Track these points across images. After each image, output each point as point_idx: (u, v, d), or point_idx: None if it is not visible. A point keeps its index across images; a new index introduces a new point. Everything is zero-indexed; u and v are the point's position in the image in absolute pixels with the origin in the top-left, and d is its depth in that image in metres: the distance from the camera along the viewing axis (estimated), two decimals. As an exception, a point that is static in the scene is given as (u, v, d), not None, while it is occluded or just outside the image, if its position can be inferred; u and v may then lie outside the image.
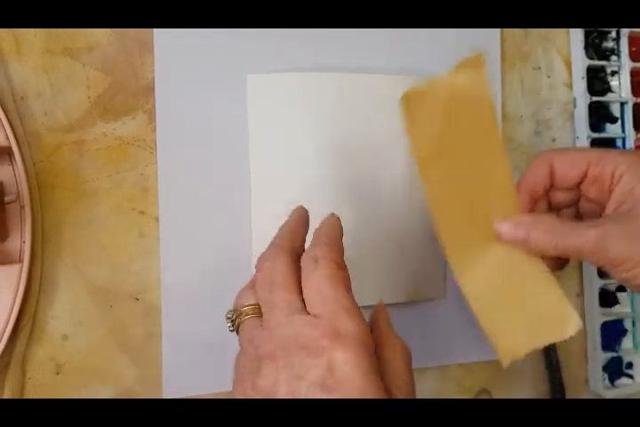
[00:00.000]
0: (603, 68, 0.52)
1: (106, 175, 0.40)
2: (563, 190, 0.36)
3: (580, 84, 0.50)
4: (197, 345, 0.40)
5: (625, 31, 0.51)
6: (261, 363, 0.27)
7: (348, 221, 0.42)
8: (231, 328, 0.31)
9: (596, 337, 0.50)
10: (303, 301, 0.28)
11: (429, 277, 0.46)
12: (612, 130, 0.52)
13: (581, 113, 0.50)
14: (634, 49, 0.52)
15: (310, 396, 0.26)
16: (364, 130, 0.42)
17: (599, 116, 0.52)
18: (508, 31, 0.48)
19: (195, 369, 0.39)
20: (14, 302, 0.36)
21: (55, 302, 0.39)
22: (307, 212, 0.34)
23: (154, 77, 0.40)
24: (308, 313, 0.27)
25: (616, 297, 0.52)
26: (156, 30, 0.40)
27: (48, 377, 0.39)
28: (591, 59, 0.51)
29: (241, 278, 0.40)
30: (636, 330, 0.52)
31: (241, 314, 0.30)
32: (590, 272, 0.50)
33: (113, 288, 0.40)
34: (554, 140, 0.51)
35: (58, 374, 0.39)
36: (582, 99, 0.50)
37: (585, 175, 0.34)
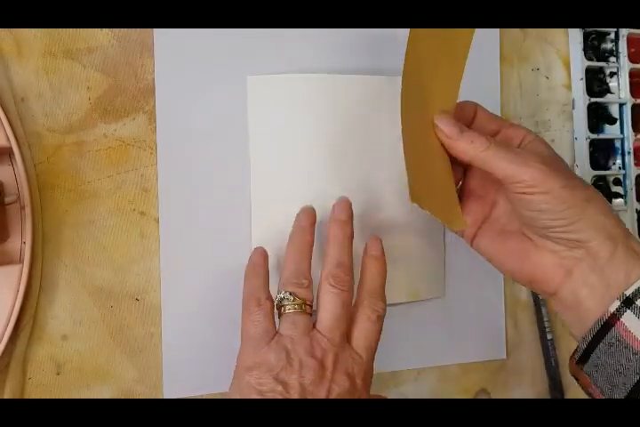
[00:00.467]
0: (601, 70, 0.52)
1: (106, 176, 0.40)
2: None
3: (579, 86, 0.50)
4: (197, 345, 0.40)
5: (624, 32, 0.51)
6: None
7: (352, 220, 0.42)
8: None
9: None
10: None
11: (429, 278, 0.46)
12: (611, 131, 0.52)
13: (580, 114, 0.50)
14: (632, 50, 0.52)
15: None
16: (364, 130, 0.42)
17: (598, 117, 0.52)
18: (506, 32, 0.49)
19: (195, 369, 0.39)
20: (15, 303, 0.36)
21: (55, 302, 0.39)
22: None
23: (154, 79, 0.40)
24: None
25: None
26: (156, 31, 0.40)
27: (48, 377, 0.39)
28: (590, 60, 0.51)
29: (241, 279, 0.40)
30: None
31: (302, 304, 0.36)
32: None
33: (113, 289, 0.40)
34: (552, 140, 0.51)
35: (58, 374, 0.39)
36: (581, 100, 0.50)
37: (496, 133, 0.38)
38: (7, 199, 0.37)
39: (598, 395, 0.35)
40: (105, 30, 0.39)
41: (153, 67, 0.40)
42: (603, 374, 0.34)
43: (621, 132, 0.52)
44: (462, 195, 0.40)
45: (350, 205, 0.39)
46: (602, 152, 0.52)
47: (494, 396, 0.49)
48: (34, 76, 0.38)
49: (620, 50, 0.51)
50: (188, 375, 0.41)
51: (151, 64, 0.40)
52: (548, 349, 0.50)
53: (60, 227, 0.39)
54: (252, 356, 0.34)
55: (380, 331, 0.37)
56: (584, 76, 0.50)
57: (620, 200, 0.52)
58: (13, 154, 0.37)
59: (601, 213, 0.34)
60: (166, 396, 0.41)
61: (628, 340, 0.33)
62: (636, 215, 0.52)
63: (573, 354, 0.36)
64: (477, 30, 0.47)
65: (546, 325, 0.50)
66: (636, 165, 0.52)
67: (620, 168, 0.52)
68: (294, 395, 0.33)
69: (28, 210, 0.37)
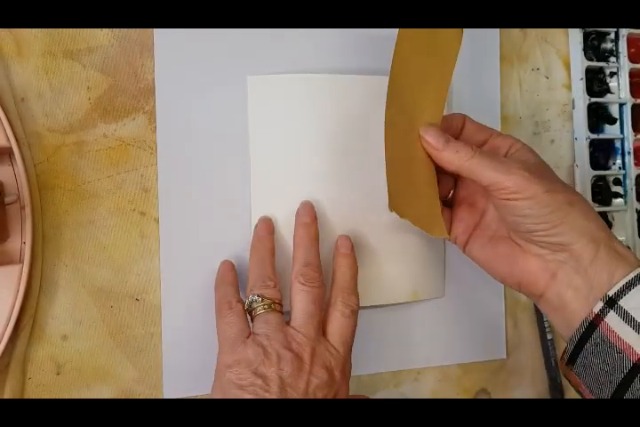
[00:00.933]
0: (601, 70, 0.52)
1: (106, 176, 0.40)
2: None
3: (579, 86, 0.50)
4: (197, 345, 0.40)
5: (624, 32, 0.51)
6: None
7: (347, 222, 0.43)
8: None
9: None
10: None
11: (429, 278, 0.46)
12: (611, 131, 0.52)
13: (580, 114, 0.50)
14: (632, 50, 0.52)
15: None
16: (364, 130, 0.42)
17: (598, 117, 0.52)
18: (506, 32, 0.49)
19: (195, 369, 0.39)
20: (15, 303, 0.36)
21: (55, 302, 0.39)
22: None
23: (154, 79, 0.40)
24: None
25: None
26: (156, 31, 0.40)
27: (48, 377, 0.39)
28: (590, 60, 0.51)
29: (241, 279, 0.40)
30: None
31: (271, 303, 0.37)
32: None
33: (113, 289, 0.40)
34: (552, 141, 0.51)
35: (58, 374, 0.39)
36: (581, 100, 0.50)
37: (484, 143, 0.39)
38: (7, 199, 0.37)
39: (588, 395, 0.36)
40: (105, 30, 0.40)
41: (153, 67, 0.40)
42: (590, 373, 0.35)
43: (621, 132, 0.52)
44: (453, 203, 0.42)
45: (313, 207, 0.41)
46: (602, 152, 0.52)
47: (494, 396, 0.49)
48: (34, 76, 0.38)
49: (620, 50, 0.51)
50: (188, 375, 0.41)
51: (151, 64, 0.40)
52: (548, 349, 0.50)
53: (60, 227, 0.39)
54: (230, 355, 0.36)
55: (354, 325, 0.38)
56: (584, 76, 0.50)
57: (619, 200, 0.52)
58: (13, 154, 0.37)
59: (583, 217, 0.35)
60: (166, 396, 0.41)
61: (612, 339, 0.34)
62: (635, 215, 0.52)
63: (563, 355, 0.37)
64: (477, 30, 0.47)
65: (546, 325, 0.50)
66: (636, 165, 0.52)
67: (620, 168, 0.52)
68: (274, 387, 0.34)
69: (27, 210, 0.37)
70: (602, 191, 0.52)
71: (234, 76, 0.41)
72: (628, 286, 0.34)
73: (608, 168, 0.52)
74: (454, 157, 0.36)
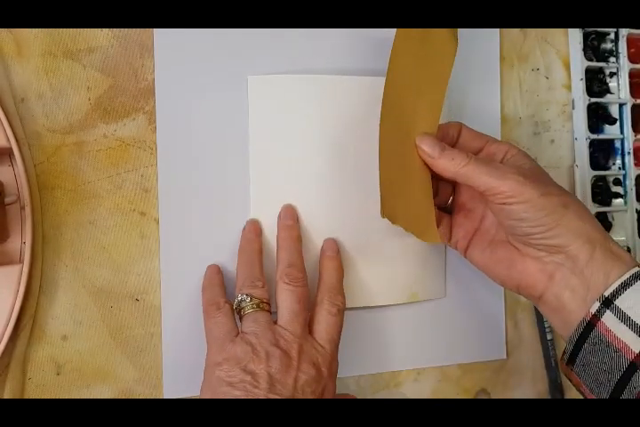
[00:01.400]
0: (601, 70, 0.52)
1: (106, 176, 0.40)
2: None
3: (579, 86, 0.50)
4: (197, 345, 0.40)
5: (623, 33, 0.51)
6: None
7: (348, 222, 0.43)
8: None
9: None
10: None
11: (429, 279, 0.46)
12: (611, 131, 0.52)
13: (580, 114, 0.50)
14: (632, 50, 0.52)
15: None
16: (364, 131, 0.42)
17: (598, 117, 0.52)
18: (506, 32, 0.49)
19: (195, 369, 0.39)
20: (14, 303, 0.36)
21: (55, 302, 0.39)
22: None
23: (154, 79, 0.40)
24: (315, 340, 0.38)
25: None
26: (156, 31, 0.40)
27: (48, 377, 0.39)
28: (590, 60, 0.51)
29: (233, 280, 0.40)
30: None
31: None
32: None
33: (113, 289, 0.40)
34: (552, 141, 0.51)
35: (58, 374, 0.39)
36: (581, 100, 0.50)
37: (481, 150, 0.40)
38: (7, 199, 0.37)
39: (589, 394, 0.37)
40: (105, 30, 0.40)
41: (153, 67, 0.40)
42: (589, 373, 0.36)
43: (621, 132, 0.52)
44: (453, 209, 0.43)
45: (295, 210, 0.41)
46: (602, 152, 0.52)
47: (494, 396, 0.49)
48: (34, 76, 0.38)
49: (620, 50, 0.51)
50: (187, 375, 0.41)
51: (151, 64, 0.40)
52: (548, 349, 0.50)
53: (60, 227, 0.39)
54: (219, 353, 0.36)
55: (341, 323, 0.39)
56: (584, 77, 0.50)
57: (619, 200, 0.52)
58: (13, 154, 0.37)
59: (578, 218, 0.36)
60: (166, 396, 0.41)
61: (609, 339, 0.34)
62: (635, 215, 0.52)
63: (562, 355, 0.37)
64: (477, 30, 0.47)
65: (546, 325, 0.50)
66: (635, 165, 0.52)
67: (619, 168, 0.52)
68: (263, 384, 0.34)
69: (28, 210, 0.37)
70: (602, 191, 0.52)
71: (234, 77, 0.41)
72: (624, 286, 0.34)
73: (608, 168, 0.52)
74: (450, 165, 0.37)
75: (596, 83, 0.52)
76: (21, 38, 0.38)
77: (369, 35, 0.43)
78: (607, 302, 0.34)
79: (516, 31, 0.49)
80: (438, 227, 0.42)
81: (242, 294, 0.38)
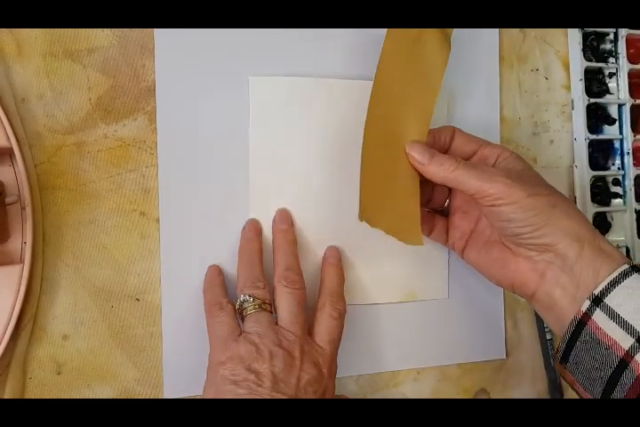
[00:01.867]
0: (601, 70, 0.52)
1: (107, 177, 0.40)
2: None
3: (578, 86, 0.50)
4: (198, 345, 0.40)
5: (623, 33, 0.51)
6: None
7: (349, 222, 0.43)
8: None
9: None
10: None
11: (431, 278, 0.46)
12: (610, 131, 0.52)
13: (579, 115, 0.50)
14: (632, 51, 0.52)
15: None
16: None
17: (597, 117, 0.52)
18: (506, 33, 0.49)
19: (195, 369, 0.39)
20: (15, 303, 0.36)
21: (56, 302, 0.39)
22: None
23: (154, 79, 0.40)
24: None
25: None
26: (156, 32, 0.40)
27: (49, 377, 0.39)
28: (589, 61, 0.51)
29: (233, 280, 0.40)
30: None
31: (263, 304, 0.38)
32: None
33: (114, 289, 0.40)
34: (552, 141, 0.51)
35: (59, 374, 0.39)
36: (580, 100, 0.50)
37: (474, 153, 0.41)
38: (8, 200, 0.37)
39: (583, 392, 0.37)
40: (105, 30, 0.40)
41: (153, 67, 0.40)
42: (582, 370, 0.36)
43: (620, 132, 0.52)
44: (449, 212, 0.44)
45: (289, 214, 0.42)
46: (601, 153, 0.52)
47: (494, 396, 0.49)
48: (34, 76, 0.38)
49: (620, 50, 0.51)
50: (188, 375, 0.41)
51: (152, 64, 0.40)
52: (547, 349, 0.50)
53: (61, 227, 0.39)
54: (222, 352, 0.36)
55: (341, 327, 0.40)
56: (583, 77, 0.50)
57: (619, 200, 0.52)
58: (14, 154, 0.37)
59: (566, 217, 0.37)
60: (166, 396, 0.41)
61: (599, 336, 0.35)
62: (634, 215, 0.52)
63: (556, 353, 0.38)
64: (477, 30, 0.47)
65: (545, 325, 0.50)
66: (635, 165, 0.52)
67: (619, 168, 0.52)
68: (267, 382, 0.35)
69: (28, 210, 0.37)
70: (601, 192, 0.52)
71: (234, 77, 0.41)
72: (613, 284, 0.35)
73: (607, 169, 0.52)
74: (439, 170, 0.38)
75: (595, 83, 0.52)
76: (22, 38, 0.38)
77: (370, 35, 0.43)
78: (597, 300, 0.35)
79: (515, 31, 0.49)
80: (434, 229, 0.43)
81: (244, 295, 0.38)
